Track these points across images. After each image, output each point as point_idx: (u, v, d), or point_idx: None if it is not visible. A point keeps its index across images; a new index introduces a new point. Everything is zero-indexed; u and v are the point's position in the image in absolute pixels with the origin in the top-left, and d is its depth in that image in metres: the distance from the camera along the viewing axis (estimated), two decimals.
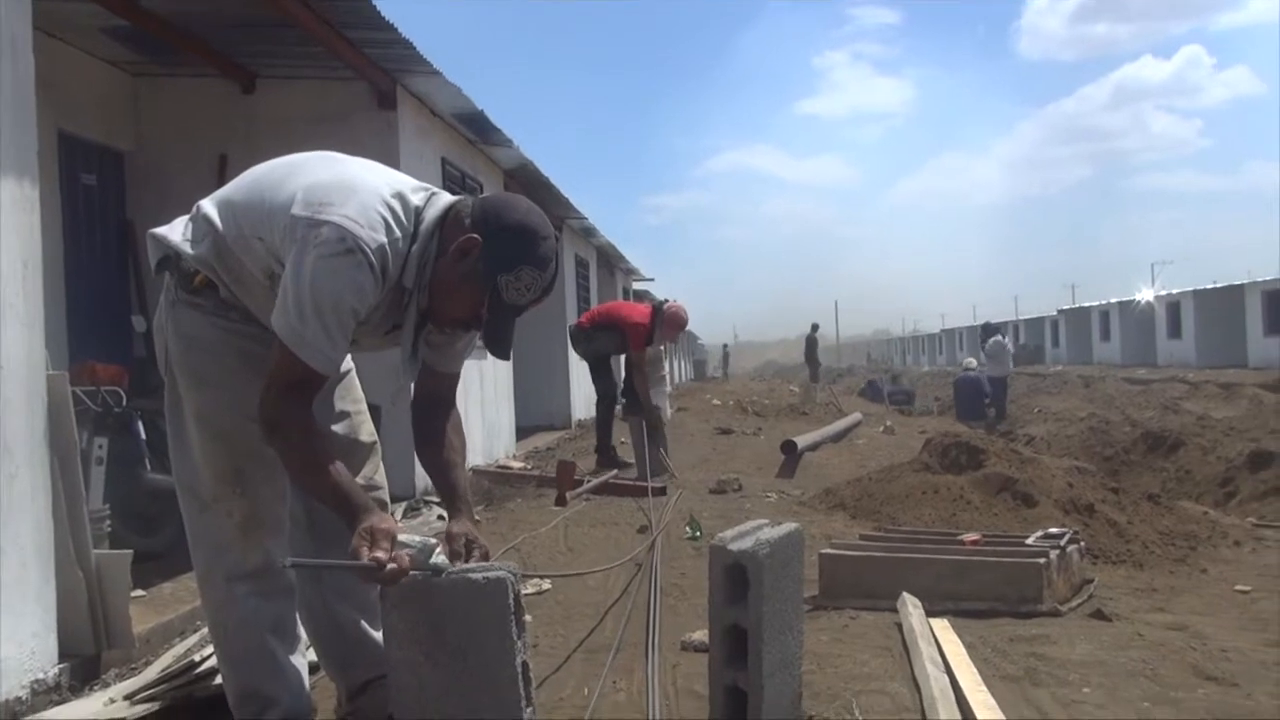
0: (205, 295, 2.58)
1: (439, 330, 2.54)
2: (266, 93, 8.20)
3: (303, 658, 2.82)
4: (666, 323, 9.53)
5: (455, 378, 2.75)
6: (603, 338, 9.66)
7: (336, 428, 2.80)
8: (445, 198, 2.50)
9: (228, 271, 2.54)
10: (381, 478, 2.91)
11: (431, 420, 2.66)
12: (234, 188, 2.62)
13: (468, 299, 2.38)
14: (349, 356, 2.77)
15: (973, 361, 20.90)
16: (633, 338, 9.32)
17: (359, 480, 2.67)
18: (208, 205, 2.60)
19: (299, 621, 2.82)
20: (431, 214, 2.42)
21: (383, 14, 6.41)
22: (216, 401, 2.57)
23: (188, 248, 2.56)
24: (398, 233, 2.36)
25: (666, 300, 9.96)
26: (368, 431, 2.89)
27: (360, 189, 2.38)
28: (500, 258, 2.32)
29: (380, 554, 2.21)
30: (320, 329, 2.29)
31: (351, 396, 2.87)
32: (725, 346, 62.64)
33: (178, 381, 2.63)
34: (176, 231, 2.62)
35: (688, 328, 10.82)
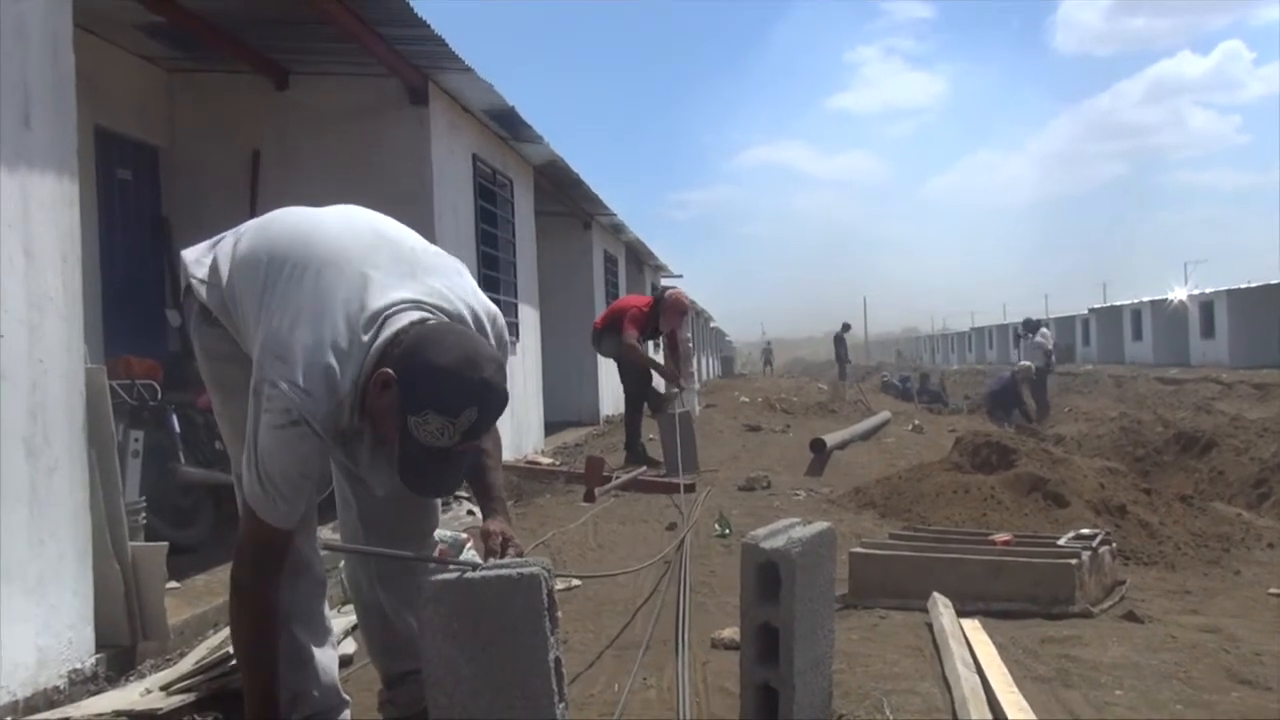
0: (218, 325, 2.68)
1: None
2: (299, 89, 8.24)
3: (333, 649, 2.91)
4: (668, 308, 9.86)
5: None
6: (611, 340, 9.79)
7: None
8: (400, 323, 2.41)
9: (229, 315, 2.63)
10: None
11: None
12: (240, 260, 2.63)
13: (391, 432, 2.36)
14: None
15: (1028, 364, 20.63)
16: (626, 323, 9.51)
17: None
18: (224, 247, 2.68)
19: (327, 615, 2.92)
20: (378, 345, 2.38)
21: (416, 11, 6.45)
22: (240, 409, 2.61)
23: (202, 290, 2.67)
24: (346, 383, 2.36)
25: (668, 288, 10.12)
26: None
27: (314, 339, 2.37)
28: (408, 399, 2.29)
29: None
30: (276, 494, 2.39)
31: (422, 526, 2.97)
32: (768, 343, 61.94)
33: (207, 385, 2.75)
34: (202, 266, 2.70)
35: (712, 324, 10.97)
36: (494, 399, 2.33)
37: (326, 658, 2.85)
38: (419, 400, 2.27)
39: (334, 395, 2.36)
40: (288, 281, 2.47)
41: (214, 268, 2.67)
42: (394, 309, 2.42)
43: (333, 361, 2.35)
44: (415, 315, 2.43)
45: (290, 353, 2.36)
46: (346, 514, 2.94)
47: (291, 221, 2.68)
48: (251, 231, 2.70)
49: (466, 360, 2.30)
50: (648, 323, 9.75)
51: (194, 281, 2.70)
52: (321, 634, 2.86)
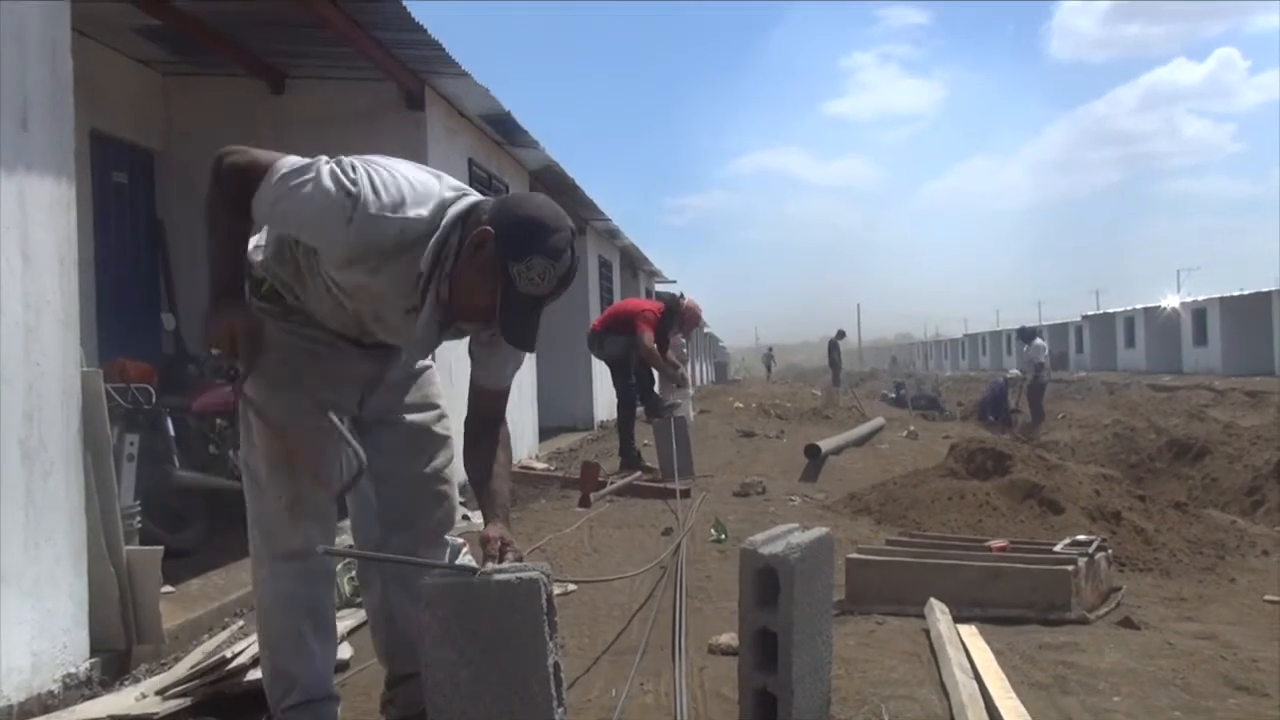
0: (274, 301, 2.74)
1: (467, 322, 2.61)
2: (296, 93, 8.26)
3: (333, 646, 2.96)
4: (687, 316, 10.02)
5: (504, 395, 2.83)
6: (614, 340, 9.75)
7: (411, 417, 2.95)
8: (474, 197, 2.59)
9: (291, 274, 2.69)
10: (450, 472, 3.02)
11: (481, 437, 2.75)
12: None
13: (484, 290, 2.44)
14: (432, 355, 2.92)
15: (1014, 371, 20.73)
16: (641, 324, 9.47)
17: (428, 469, 2.91)
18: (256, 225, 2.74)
19: (334, 615, 2.99)
20: (455, 210, 2.51)
21: (412, 15, 6.45)
22: (278, 399, 2.73)
23: (256, 255, 2.73)
24: (411, 214, 2.45)
25: (683, 295, 10.19)
26: (443, 426, 3.02)
27: (393, 165, 2.54)
28: (511, 247, 2.39)
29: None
30: (278, 195, 2.45)
31: (424, 392, 3.01)
32: (769, 349, 61.72)
33: (247, 378, 2.75)
34: (251, 240, 2.75)
35: (706, 329, 11.15)
36: (575, 252, 2.51)
37: (326, 651, 2.90)
38: (524, 246, 2.38)
39: (400, 217, 2.42)
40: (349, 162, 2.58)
41: (258, 239, 2.76)
42: (461, 189, 2.60)
43: (407, 190, 2.47)
44: (479, 197, 2.60)
45: (379, 161, 2.51)
46: (364, 515, 2.95)
47: None
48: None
49: (557, 214, 2.49)
50: (661, 328, 9.75)
51: (251, 252, 2.74)
52: (325, 628, 2.90)
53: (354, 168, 2.45)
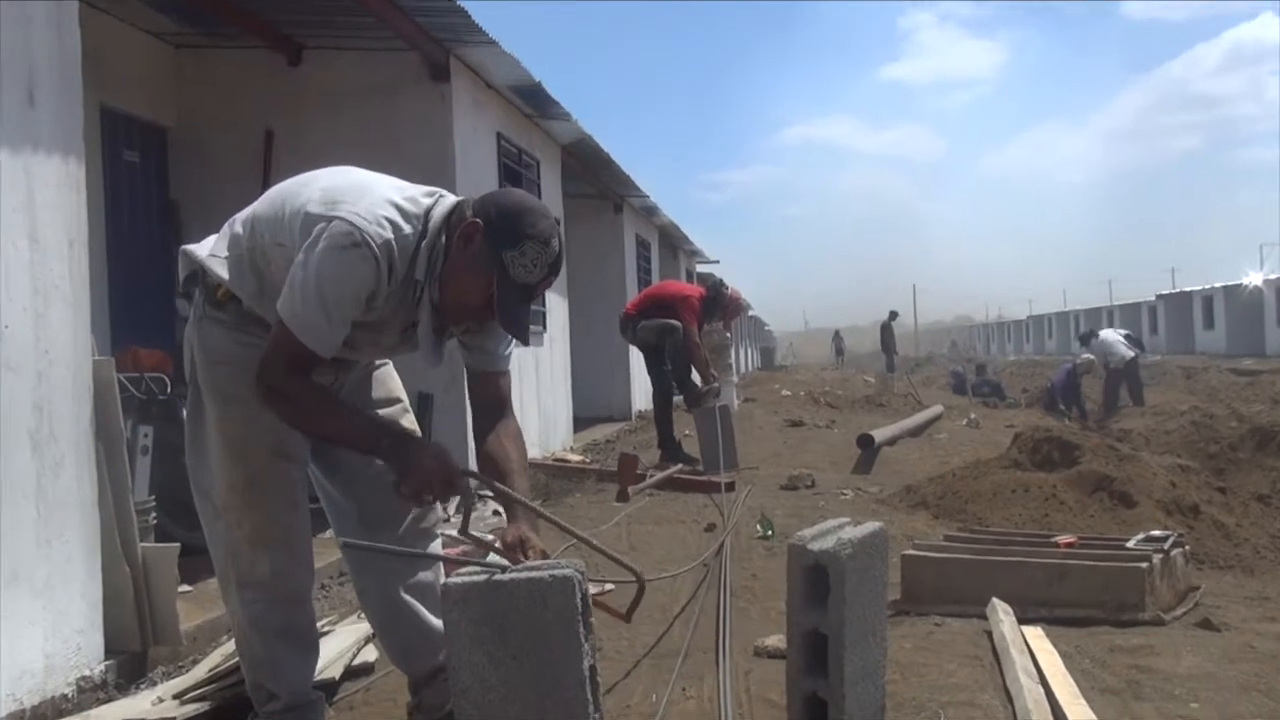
0: (228, 310, 2.80)
1: (457, 324, 2.72)
2: (313, 65, 8.29)
3: (314, 652, 3.04)
4: (731, 303, 10.06)
5: (502, 378, 2.89)
6: (649, 327, 9.60)
7: (376, 413, 2.99)
8: (451, 198, 2.72)
9: (254, 281, 2.74)
10: None
11: (488, 430, 2.81)
12: (260, 202, 2.83)
13: (477, 284, 2.56)
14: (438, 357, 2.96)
15: (1087, 357, 20.49)
16: (687, 313, 9.41)
17: None
18: (237, 220, 2.83)
19: (313, 624, 3.06)
20: (439, 211, 2.65)
21: None
22: (236, 416, 2.78)
23: (213, 262, 2.78)
24: (406, 229, 2.58)
25: (719, 280, 10.21)
26: (409, 420, 3.08)
27: (372, 190, 2.64)
28: (503, 236, 2.53)
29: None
30: (321, 313, 2.51)
31: (386, 386, 3.09)
32: (837, 332, 60.65)
33: (201, 393, 2.84)
34: (205, 247, 2.86)
35: (750, 312, 11.18)
36: (561, 239, 2.65)
37: (305, 660, 2.98)
38: (515, 234, 2.53)
39: (398, 231, 2.55)
40: (320, 177, 2.74)
41: (225, 239, 2.81)
42: (435, 193, 2.71)
43: (393, 211, 2.58)
44: (455, 198, 2.72)
45: (349, 195, 2.60)
46: (343, 523, 3.01)
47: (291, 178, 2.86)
48: (259, 199, 2.85)
49: (540, 202, 2.70)
50: (701, 316, 9.69)
51: (201, 259, 2.81)
52: (302, 644, 2.97)
53: (331, 223, 2.52)
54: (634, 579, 2.73)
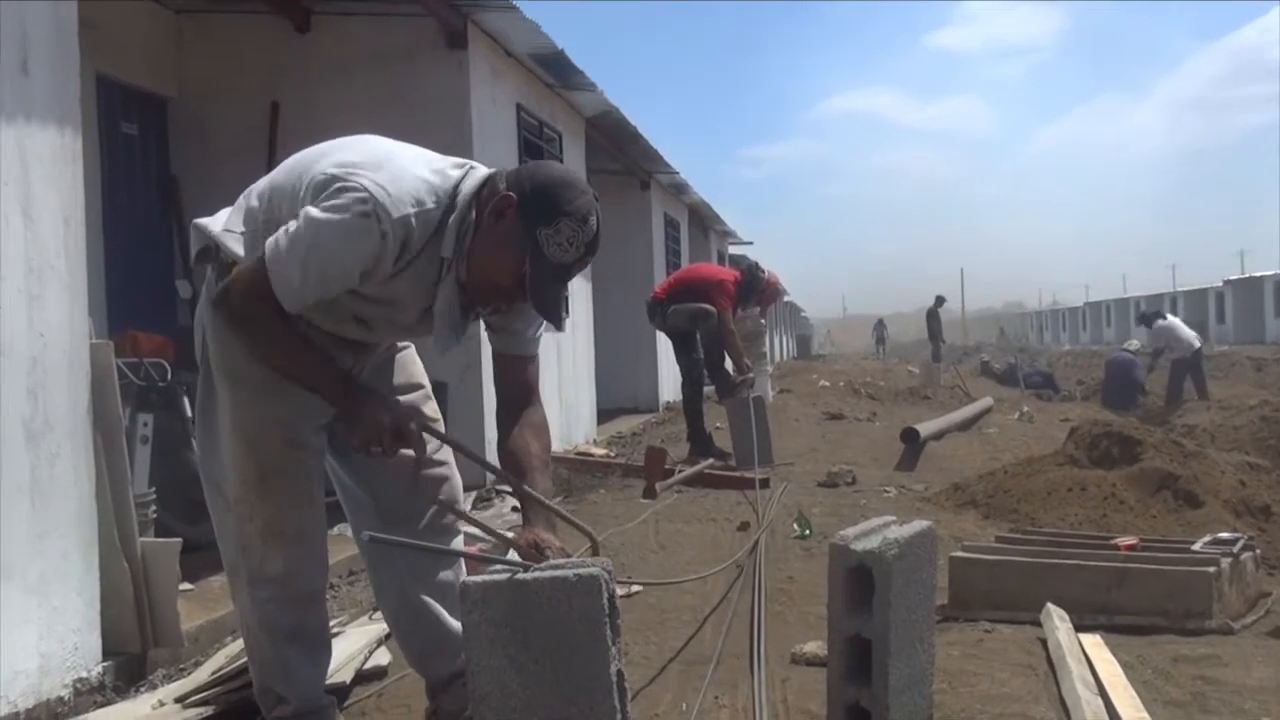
0: None
1: (484, 306, 2.70)
2: (322, 32, 8.31)
3: (325, 656, 3.05)
4: (769, 287, 10.08)
5: (530, 363, 2.88)
6: (680, 311, 9.54)
7: (398, 399, 2.98)
8: (484, 170, 2.71)
9: None
10: (445, 453, 3.06)
11: (512, 421, 2.80)
12: (278, 171, 2.82)
13: (508, 262, 2.56)
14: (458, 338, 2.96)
15: (1135, 343, 20.36)
16: (722, 298, 9.39)
17: (424, 451, 2.88)
18: (254, 192, 2.82)
19: (326, 625, 3.07)
20: (469, 184, 2.64)
21: None
22: (249, 403, 2.78)
23: (227, 238, 2.77)
24: (429, 204, 2.56)
25: (754, 263, 10.23)
26: (432, 407, 3.10)
27: (398, 160, 2.64)
28: (537, 212, 2.52)
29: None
30: (299, 270, 2.51)
31: (408, 372, 3.09)
32: (880, 320, 60.39)
33: (213, 377, 2.84)
34: (219, 221, 2.83)
35: (787, 298, 11.18)
36: (599, 217, 2.62)
37: (316, 664, 3.00)
38: (550, 210, 2.52)
39: (421, 206, 2.53)
40: (342, 144, 2.72)
41: (240, 211, 2.80)
42: (465, 165, 2.70)
43: (418, 183, 2.56)
44: (487, 170, 2.70)
45: (371, 162, 2.58)
46: (360, 515, 3.03)
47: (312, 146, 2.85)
48: (277, 168, 2.84)
49: (580, 177, 2.68)
50: (737, 302, 9.66)
51: (215, 234, 2.79)
52: (314, 645, 2.99)
53: (346, 187, 2.51)
54: (590, 542, 2.81)
